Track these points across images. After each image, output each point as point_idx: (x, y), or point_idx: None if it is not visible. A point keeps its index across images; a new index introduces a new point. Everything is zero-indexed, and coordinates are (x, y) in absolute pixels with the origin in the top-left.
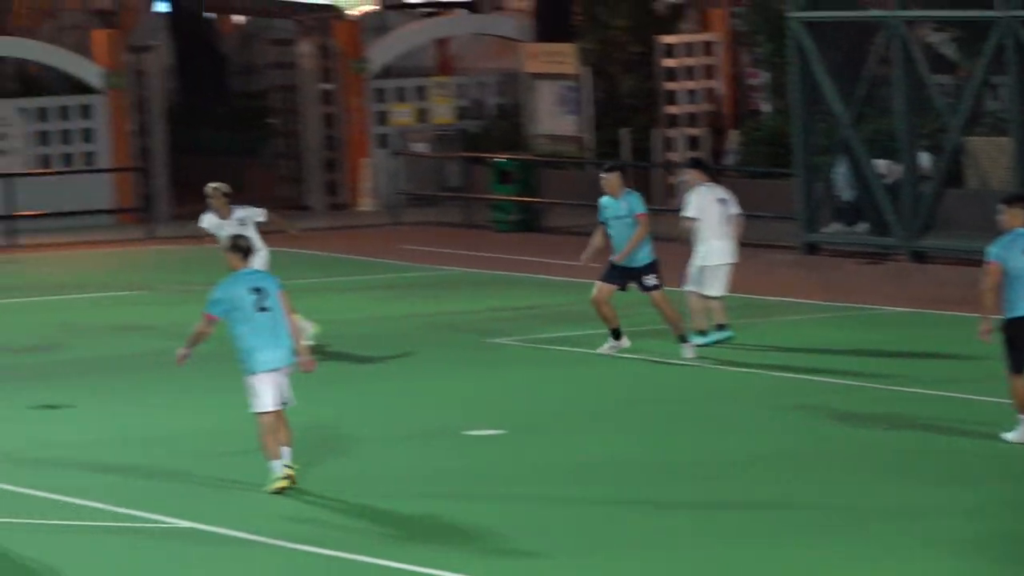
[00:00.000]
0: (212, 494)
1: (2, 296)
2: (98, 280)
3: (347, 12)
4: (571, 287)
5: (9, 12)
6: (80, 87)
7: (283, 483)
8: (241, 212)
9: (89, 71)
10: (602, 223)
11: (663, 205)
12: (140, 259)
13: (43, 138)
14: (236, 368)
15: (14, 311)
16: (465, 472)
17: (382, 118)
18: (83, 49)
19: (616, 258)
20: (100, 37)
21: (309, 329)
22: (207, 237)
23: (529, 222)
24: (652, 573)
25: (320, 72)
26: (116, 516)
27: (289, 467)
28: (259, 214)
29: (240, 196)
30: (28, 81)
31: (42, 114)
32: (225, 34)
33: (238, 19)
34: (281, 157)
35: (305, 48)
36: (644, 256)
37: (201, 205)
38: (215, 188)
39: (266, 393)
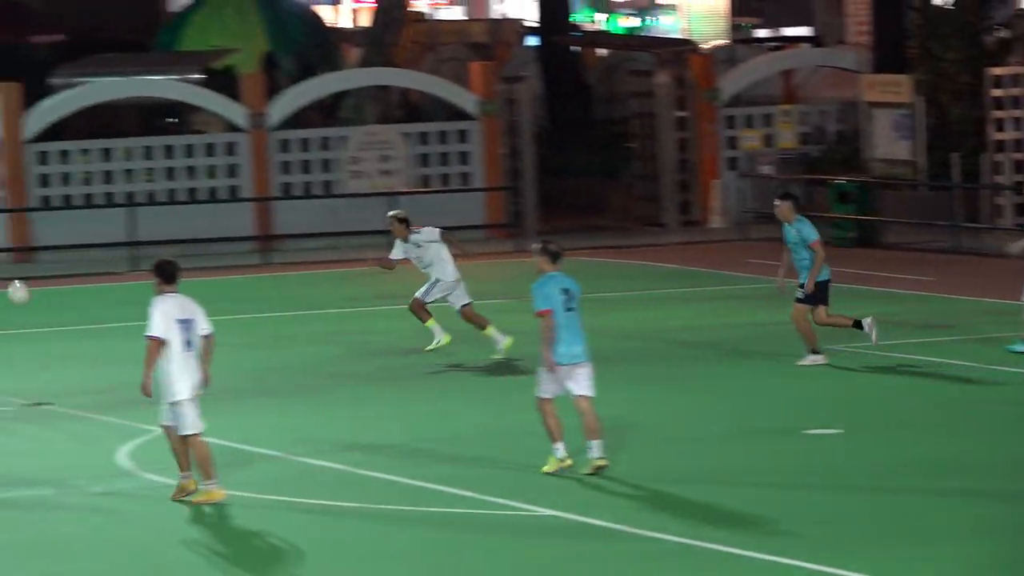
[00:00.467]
0: (566, 485)
1: (383, 303)
2: (471, 289)
3: (701, 46)
4: (906, 298)
5: (395, 46)
6: (457, 114)
7: (558, 464)
8: (415, 236)
9: (465, 99)
10: (787, 246)
11: (990, 224)
12: (509, 271)
13: (423, 160)
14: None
15: (393, 317)
16: (804, 466)
17: (732, 143)
18: (460, 79)
19: (806, 286)
20: (476, 68)
21: (503, 342)
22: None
23: (866, 239)
24: (969, 561)
25: (675, 101)
26: (485, 504)
27: (601, 458)
28: (431, 235)
29: (600, 214)
30: (411, 108)
31: (423, 138)
32: (590, 66)
33: (601, 52)
34: (639, 178)
35: (662, 79)
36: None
37: (566, 222)
38: (391, 216)
39: (548, 383)
